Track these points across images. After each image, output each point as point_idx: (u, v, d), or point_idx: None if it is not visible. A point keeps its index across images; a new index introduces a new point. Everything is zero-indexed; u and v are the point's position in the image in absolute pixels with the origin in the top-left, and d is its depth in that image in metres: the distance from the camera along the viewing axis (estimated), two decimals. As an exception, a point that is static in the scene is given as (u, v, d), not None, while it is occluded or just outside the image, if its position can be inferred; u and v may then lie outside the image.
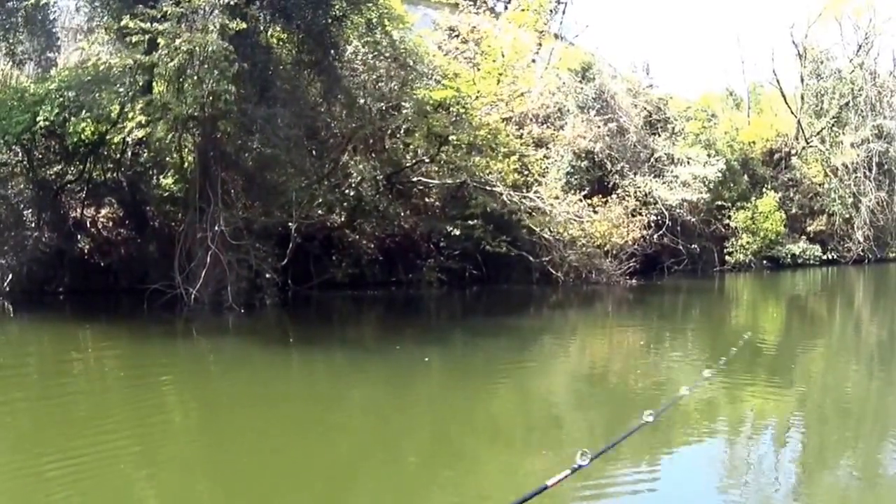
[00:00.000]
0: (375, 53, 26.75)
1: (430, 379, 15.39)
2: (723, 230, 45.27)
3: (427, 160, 30.40)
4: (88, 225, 28.24)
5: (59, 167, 26.93)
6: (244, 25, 20.90)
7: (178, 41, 20.08)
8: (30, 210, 26.81)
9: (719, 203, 44.43)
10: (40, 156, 26.53)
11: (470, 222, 30.16)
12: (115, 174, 27.88)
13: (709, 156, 42.14)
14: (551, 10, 42.44)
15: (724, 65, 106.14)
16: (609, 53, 67.21)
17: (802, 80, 53.29)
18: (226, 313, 22.66)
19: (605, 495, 9.01)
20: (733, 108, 56.15)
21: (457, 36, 34.87)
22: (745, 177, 47.13)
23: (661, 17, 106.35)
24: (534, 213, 31.37)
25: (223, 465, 9.83)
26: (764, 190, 46.98)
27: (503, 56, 34.39)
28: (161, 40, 20.32)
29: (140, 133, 22.20)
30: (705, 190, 40.76)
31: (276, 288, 25.24)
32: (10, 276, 25.42)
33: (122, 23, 20.37)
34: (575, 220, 32.14)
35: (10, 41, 26.05)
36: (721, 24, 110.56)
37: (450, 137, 29.19)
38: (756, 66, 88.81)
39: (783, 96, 53.39)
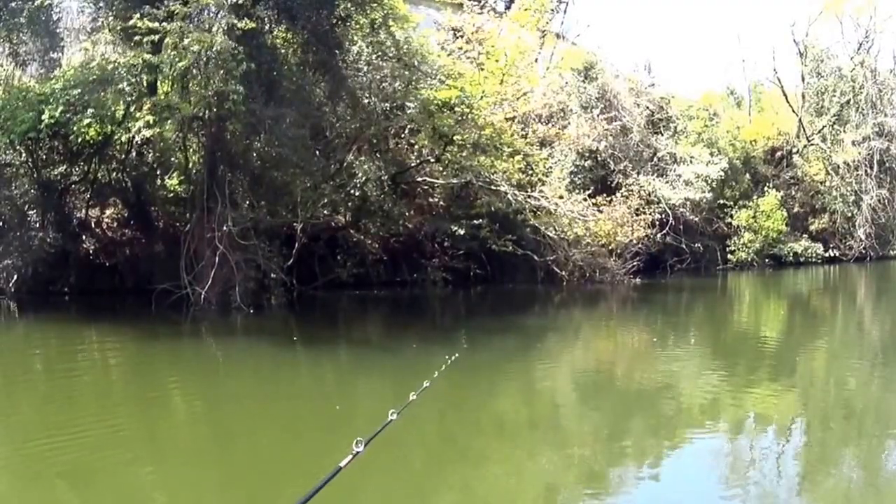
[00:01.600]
0: (380, 54, 26.67)
1: (437, 377, 15.27)
2: (725, 229, 45.44)
3: (432, 160, 30.39)
4: (93, 225, 28.32)
5: (64, 167, 26.91)
6: (253, 25, 20.89)
7: (186, 40, 20.04)
8: (34, 210, 26.81)
9: (721, 202, 44.61)
10: (44, 156, 26.47)
11: (475, 222, 30.27)
12: (119, 174, 27.86)
13: (711, 155, 42.29)
14: (552, 10, 42.40)
15: (725, 64, 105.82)
16: (610, 53, 67.22)
17: (803, 79, 53.42)
18: (234, 313, 22.62)
19: (608, 493, 9.03)
20: (734, 107, 56.18)
21: (460, 36, 34.83)
22: (747, 175, 47.26)
23: (661, 16, 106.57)
24: (539, 213, 31.44)
25: (230, 463, 9.86)
26: (766, 188, 47.17)
27: (506, 56, 34.35)
28: (169, 40, 20.26)
29: (148, 133, 22.06)
30: (708, 189, 40.89)
31: (283, 288, 25.28)
32: (15, 277, 25.42)
33: (131, 22, 20.33)
34: (580, 219, 32.13)
35: (14, 41, 26.07)
36: (721, 23, 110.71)
37: (455, 137, 29.16)
38: (756, 64, 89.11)
39: (784, 95, 53.47)
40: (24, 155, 25.87)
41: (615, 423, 11.88)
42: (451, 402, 12.60)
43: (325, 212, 27.78)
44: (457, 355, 11.33)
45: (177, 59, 20.33)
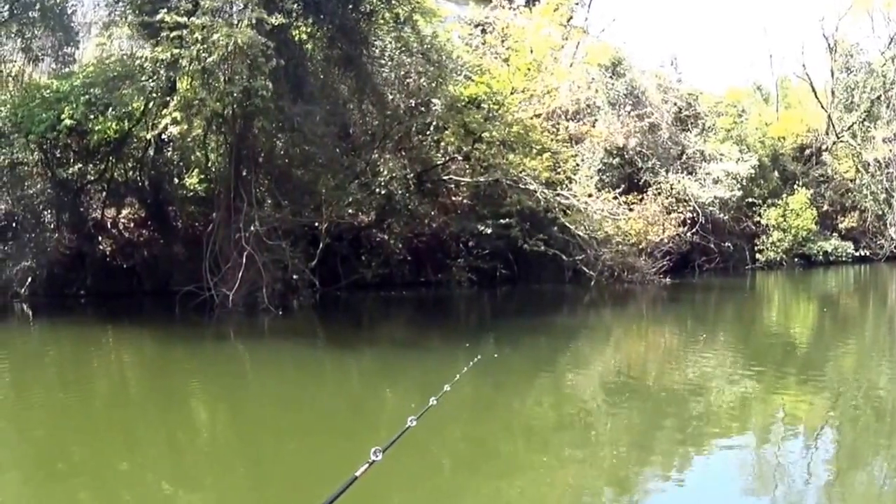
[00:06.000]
0: (404, 49, 26.07)
1: (462, 380, 14.88)
2: (753, 228, 44.64)
3: (460, 158, 29.87)
4: (109, 226, 27.81)
5: (79, 166, 26.33)
6: (283, 20, 20.32)
7: (215, 36, 19.25)
8: (49, 211, 26.33)
9: (750, 200, 43.64)
10: (59, 154, 25.90)
11: (503, 221, 29.52)
12: (136, 174, 27.33)
13: (740, 152, 41.49)
14: (576, 3, 41.66)
15: (750, 58, 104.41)
16: (635, 48, 66.48)
17: (832, 74, 52.26)
18: (260, 315, 22.17)
19: (635, 493, 8.93)
20: (761, 103, 55.20)
21: (484, 31, 34.07)
22: (776, 173, 46.40)
23: (685, 9, 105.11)
24: (568, 211, 30.58)
25: (252, 469, 9.67)
26: (795, 186, 46.19)
27: (532, 52, 33.53)
28: (197, 35, 19.45)
29: (175, 130, 21.48)
30: (737, 187, 40.06)
31: (310, 289, 24.87)
32: (30, 280, 24.69)
33: (158, 17, 19.61)
34: (610, 217, 31.35)
35: (26, 36, 25.46)
36: (746, 17, 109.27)
37: (483, 134, 28.58)
38: (784, 59, 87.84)
39: (813, 90, 52.38)
40: (38, 153, 25.27)
41: (644, 426, 11.61)
42: (480, 405, 12.59)
43: (350, 211, 27.24)
44: (479, 357, 11.23)
45: (204, 55, 19.59)
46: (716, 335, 21.54)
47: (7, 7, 25.06)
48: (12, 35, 25.74)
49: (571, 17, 39.95)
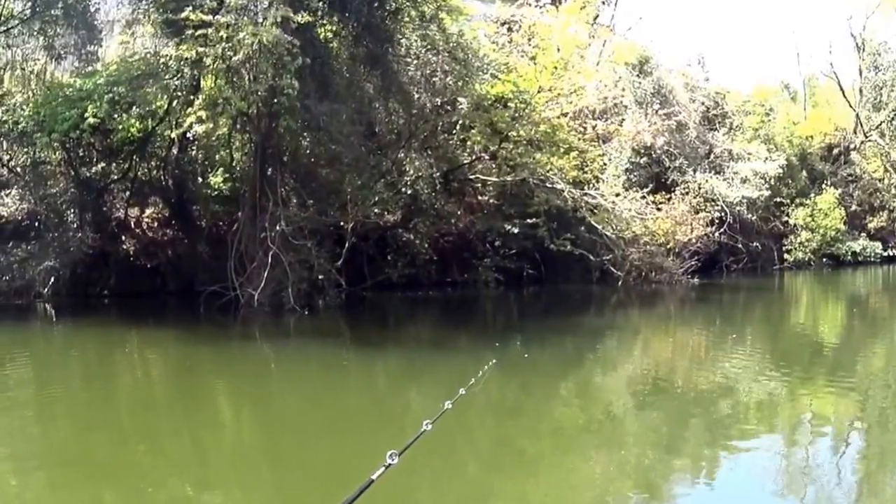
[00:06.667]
0: (430, 47, 25.91)
1: (488, 381, 14.90)
2: (781, 228, 44.21)
3: (486, 157, 29.65)
4: (133, 225, 27.70)
5: (102, 165, 26.28)
6: (309, 18, 20.24)
7: (240, 34, 19.10)
8: (72, 210, 26.13)
9: (778, 200, 43.14)
10: (82, 154, 25.85)
11: (530, 220, 29.26)
12: (160, 173, 27.28)
13: (768, 151, 40.99)
14: (602, 2, 41.34)
15: (777, 57, 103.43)
16: (661, 47, 65.94)
17: (860, 73, 51.69)
18: (286, 315, 21.97)
19: (663, 496, 8.77)
20: (789, 102, 54.69)
21: (510, 29, 33.73)
22: (804, 172, 45.84)
23: (711, 8, 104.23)
24: (596, 211, 30.24)
25: (274, 471, 9.58)
26: (823, 186, 45.75)
27: (558, 50, 33.16)
28: (222, 33, 19.31)
29: (200, 129, 21.32)
30: (765, 186, 39.62)
31: (336, 289, 24.64)
32: (53, 279, 24.48)
33: (182, 15, 19.44)
34: (638, 217, 30.98)
35: (48, 34, 25.34)
36: (773, 15, 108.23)
37: (510, 134, 28.30)
38: (811, 58, 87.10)
39: (841, 89, 51.91)
40: (60, 153, 25.20)
41: (672, 427, 11.46)
42: (506, 406, 12.59)
43: (376, 210, 27.05)
44: (493, 361, 11.37)
45: (230, 53, 19.41)
46: (744, 335, 21.20)
47: (29, 5, 24.92)
48: (34, 33, 25.60)
49: (598, 16, 39.68)
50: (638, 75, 37.75)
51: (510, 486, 9.05)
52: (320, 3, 21.80)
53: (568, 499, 8.77)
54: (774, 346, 19.62)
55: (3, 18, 24.75)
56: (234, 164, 26.34)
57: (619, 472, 9.47)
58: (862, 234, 48.80)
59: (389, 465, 4.69)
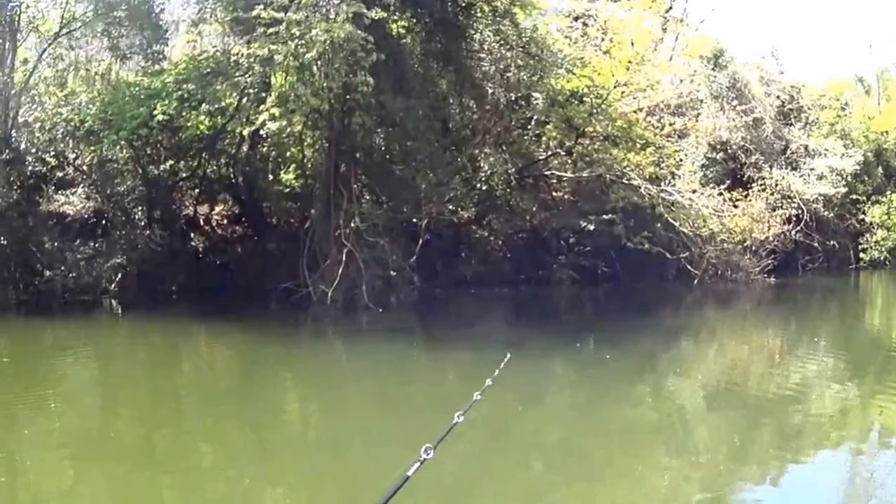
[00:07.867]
0: (503, 42, 25.78)
1: (560, 382, 15.19)
2: (857, 226, 42.77)
3: (562, 153, 29.20)
4: (202, 223, 27.88)
5: (171, 163, 26.44)
6: (382, 14, 20.09)
7: (313, 31, 19.03)
8: (140, 208, 26.23)
9: (853, 197, 41.85)
10: (150, 152, 25.86)
11: (606, 217, 28.52)
12: (229, 170, 27.42)
13: (845, 147, 39.78)
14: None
15: (849, 49, 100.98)
16: (734, 39, 64.58)
17: (937, 65, 50.26)
18: (359, 312, 21.92)
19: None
20: (863, 95, 53.26)
21: (584, 24, 33.07)
22: (880, 169, 44.41)
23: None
24: (674, 208, 29.48)
25: (338, 464, 9.79)
26: (900, 183, 44.23)
27: (633, 44, 32.43)
28: (294, 30, 19.25)
29: (274, 126, 21.10)
30: (841, 183, 38.53)
31: (410, 287, 24.38)
32: (120, 276, 24.26)
33: (254, 13, 19.48)
34: (715, 214, 30.25)
35: (113, 35, 25.35)
36: (845, 6, 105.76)
37: (586, 129, 27.87)
38: (885, 49, 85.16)
39: (915, 82, 50.43)
40: (128, 151, 25.24)
41: (742, 433, 11.35)
42: (576, 406, 12.78)
43: (450, 207, 26.70)
44: (508, 356, 10.79)
45: (302, 50, 19.27)
46: (818, 339, 20.60)
47: (91, 7, 24.92)
48: (98, 34, 25.74)
49: (671, 8, 38.76)
50: (713, 69, 36.84)
51: (575, 486, 9.13)
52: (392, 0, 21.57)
53: (632, 502, 8.89)
54: (848, 352, 19.04)
55: (65, 21, 24.81)
56: (305, 160, 26.27)
57: (687, 477, 9.52)
58: (940, 234, 47.15)
59: (425, 459, 4.66)
